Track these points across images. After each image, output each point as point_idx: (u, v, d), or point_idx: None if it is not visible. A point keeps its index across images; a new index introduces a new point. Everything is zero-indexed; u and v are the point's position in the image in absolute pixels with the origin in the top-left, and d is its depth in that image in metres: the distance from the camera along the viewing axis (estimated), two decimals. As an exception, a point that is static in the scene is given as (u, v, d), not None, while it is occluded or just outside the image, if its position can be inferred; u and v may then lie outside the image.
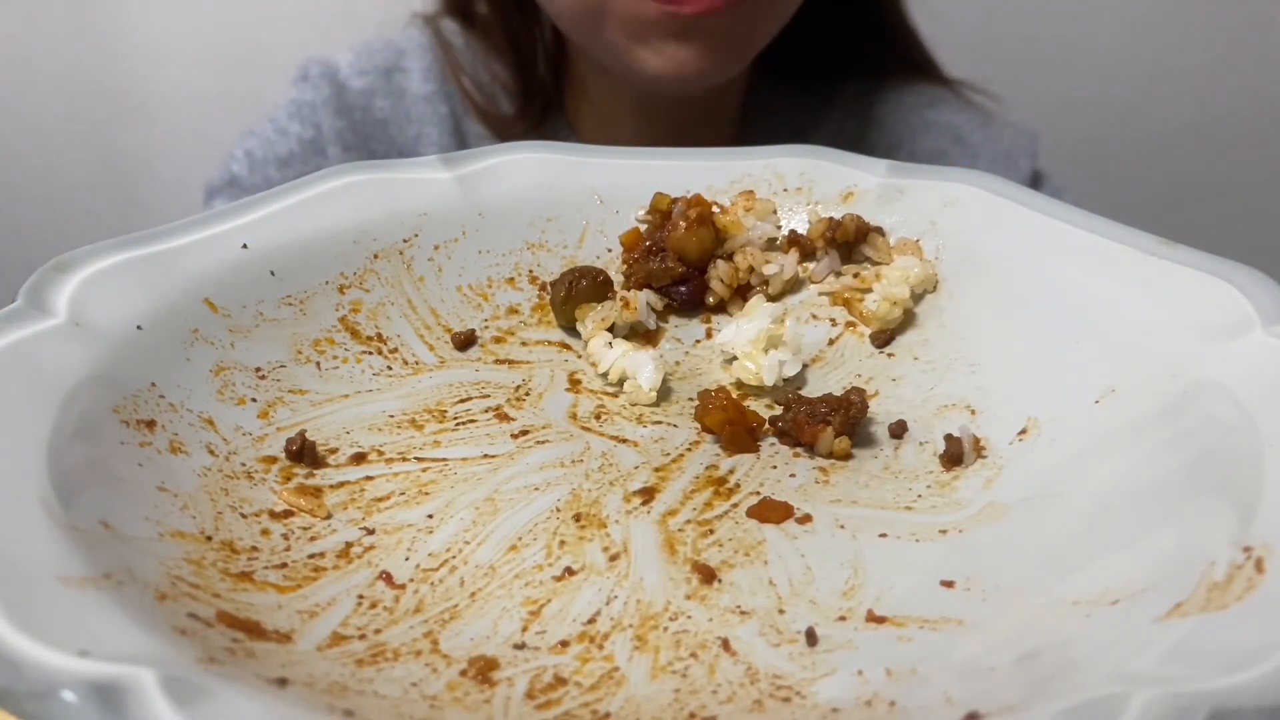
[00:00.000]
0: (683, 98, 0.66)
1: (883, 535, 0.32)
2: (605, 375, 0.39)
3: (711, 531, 0.32)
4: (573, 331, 0.42)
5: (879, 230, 0.43)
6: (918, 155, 0.71)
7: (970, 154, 0.71)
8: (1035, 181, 0.71)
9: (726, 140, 0.71)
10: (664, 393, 0.39)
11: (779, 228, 0.44)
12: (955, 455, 0.35)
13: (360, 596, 0.30)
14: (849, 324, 0.42)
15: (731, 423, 0.36)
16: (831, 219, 0.43)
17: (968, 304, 0.40)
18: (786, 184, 0.45)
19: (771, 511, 0.33)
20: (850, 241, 0.42)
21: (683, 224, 0.42)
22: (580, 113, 0.71)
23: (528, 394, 0.39)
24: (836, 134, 0.72)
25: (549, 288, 0.43)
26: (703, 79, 0.58)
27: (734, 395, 0.37)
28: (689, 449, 0.36)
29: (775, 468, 0.35)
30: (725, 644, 0.28)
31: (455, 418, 0.38)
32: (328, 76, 0.70)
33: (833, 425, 0.35)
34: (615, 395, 0.39)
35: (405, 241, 0.42)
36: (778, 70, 0.72)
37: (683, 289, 0.43)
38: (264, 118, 0.71)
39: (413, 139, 0.71)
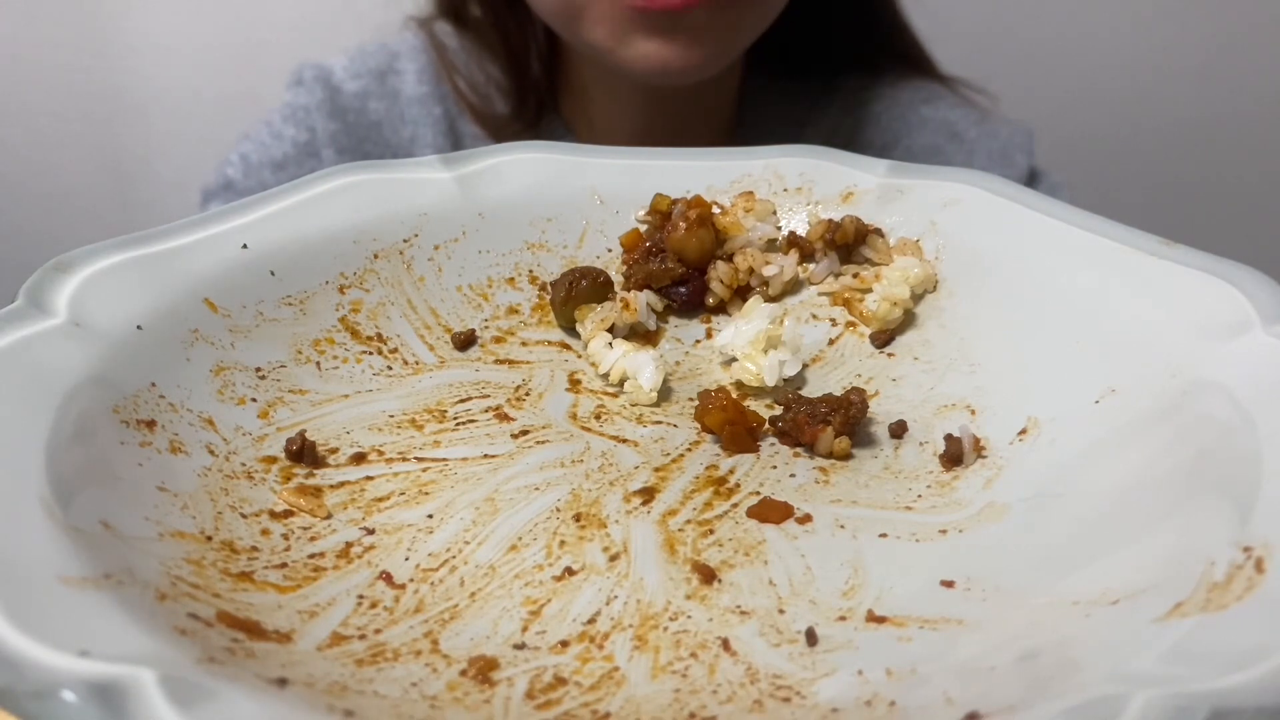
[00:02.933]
0: (677, 94, 0.66)
1: (883, 535, 0.32)
2: (606, 376, 0.39)
3: (711, 531, 0.32)
4: (573, 331, 0.42)
5: (878, 231, 0.43)
6: (913, 151, 0.71)
7: (966, 150, 0.71)
8: (1031, 178, 0.71)
9: (722, 136, 0.71)
10: (664, 393, 0.39)
11: (779, 229, 0.44)
12: (955, 455, 0.35)
13: (360, 596, 0.30)
14: (849, 324, 0.42)
15: (731, 423, 0.36)
16: (830, 221, 0.43)
17: (968, 304, 0.40)
18: (786, 184, 0.45)
19: (771, 511, 0.33)
20: (849, 243, 0.42)
21: (682, 225, 0.42)
22: (575, 111, 0.71)
23: (528, 394, 0.39)
24: (832, 130, 0.72)
25: (549, 288, 0.43)
26: (686, 74, 0.58)
27: (734, 395, 0.37)
28: (689, 449, 0.36)
29: (775, 468, 0.35)
30: (725, 644, 0.28)
31: (455, 418, 0.38)
32: (321, 80, 0.70)
33: (833, 425, 0.35)
34: (615, 395, 0.39)
35: (405, 241, 0.42)
36: (772, 66, 0.72)
37: (682, 290, 0.43)
38: (259, 122, 0.72)
39: (407, 141, 0.71)
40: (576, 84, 0.70)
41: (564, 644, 0.28)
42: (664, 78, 0.58)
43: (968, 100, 0.74)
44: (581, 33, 0.58)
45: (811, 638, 0.28)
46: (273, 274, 0.39)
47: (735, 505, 0.34)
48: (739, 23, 0.58)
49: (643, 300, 0.42)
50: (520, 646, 0.28)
